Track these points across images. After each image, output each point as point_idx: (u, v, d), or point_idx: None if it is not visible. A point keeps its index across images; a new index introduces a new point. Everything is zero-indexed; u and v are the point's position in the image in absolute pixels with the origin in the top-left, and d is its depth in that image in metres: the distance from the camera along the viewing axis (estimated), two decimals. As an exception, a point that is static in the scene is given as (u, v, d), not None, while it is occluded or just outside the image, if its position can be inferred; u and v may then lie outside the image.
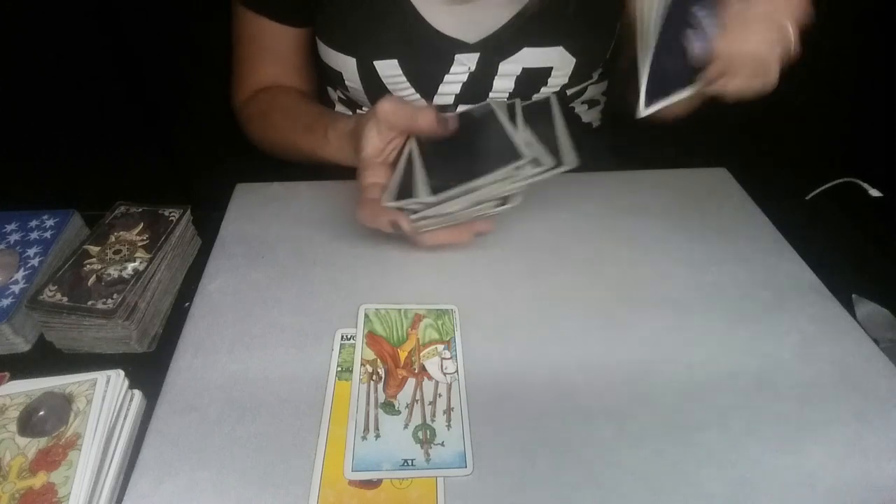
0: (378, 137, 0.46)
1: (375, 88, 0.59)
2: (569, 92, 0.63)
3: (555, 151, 0.43)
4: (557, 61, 0.57)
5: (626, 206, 0.56)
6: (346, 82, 0.61)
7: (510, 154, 0.42)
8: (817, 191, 0.61)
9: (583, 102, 0.68)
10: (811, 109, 0.94)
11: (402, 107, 0.45)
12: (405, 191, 0.44)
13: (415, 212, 0.44)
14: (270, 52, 0.63)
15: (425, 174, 0.44)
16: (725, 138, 0.61)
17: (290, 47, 0.62)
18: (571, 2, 0.53)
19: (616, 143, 0.74)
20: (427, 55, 0.56)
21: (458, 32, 0.56)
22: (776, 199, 0.57)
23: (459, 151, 0.46)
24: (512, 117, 0.47)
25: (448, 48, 0.56)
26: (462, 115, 0.49)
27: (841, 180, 0.60)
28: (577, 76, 0.59)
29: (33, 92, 0.91)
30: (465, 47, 0.56)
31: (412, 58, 0.57)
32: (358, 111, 0.67)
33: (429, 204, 0.43)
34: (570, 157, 0.43)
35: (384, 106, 0.45)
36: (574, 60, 0.57)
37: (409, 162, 0.47)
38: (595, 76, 0.65)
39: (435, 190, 0.42)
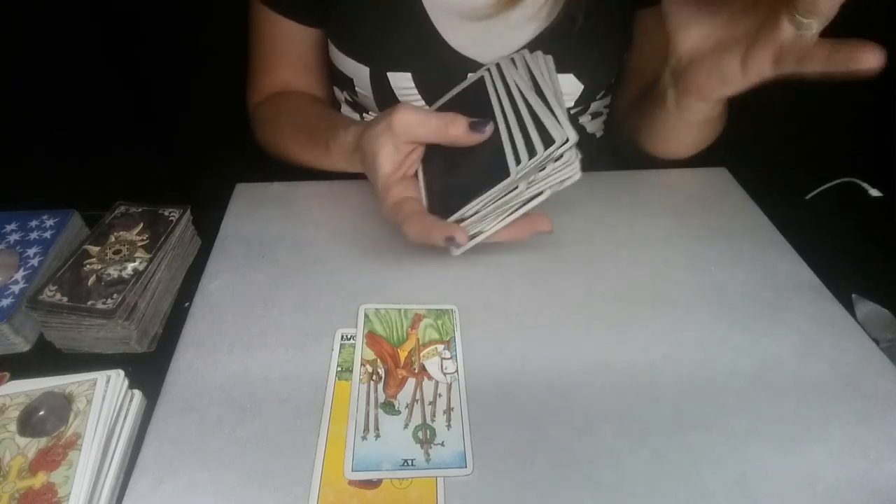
0: (396, 153, 0.42)
1: (386, 98, 0.59)
2: (573, 111, 0.64)
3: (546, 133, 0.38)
4: (566, 87, 0.57)
5: (626, 206, 0.56)
6: (356, 88, 0.61)
7: (502, 172, 0.38)
8: (817, 191, 0.61)
9: (587, 114, 0.68)
10: (811, 109, 0.94)
11: (424, 118, 0.41)
12: (437, 210, 0.41)
13: (463, 218, 0.41)
14: (286, 52, 0.62)
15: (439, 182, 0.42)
16: (725, 138, 0.61)
17: (306, 48, 0.62)
18: (580, 17, 0.53)
19: (618, 150, 0.74)
20: (441, 71, 0.56)
21: (473, 52, 0.56)
22: (776, 199, 0.57)
23: (457, 159, 0.42)
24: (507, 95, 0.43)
25: (462, 66, 0.56)
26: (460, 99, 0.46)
27: (841, 180, 0.60)
28: (582, 100, 0.61)
29: (33, 92, 0.91)
30: (478, 67, 0.56)
31: (426, 72, 0.57)
32: (364, 115, 0.67)
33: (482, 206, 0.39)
34: (559, 132, 0.37)
35: (403, 118, 0.40)
36: (582, 87, 0.58)
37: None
38: (598, 96, 0.65)
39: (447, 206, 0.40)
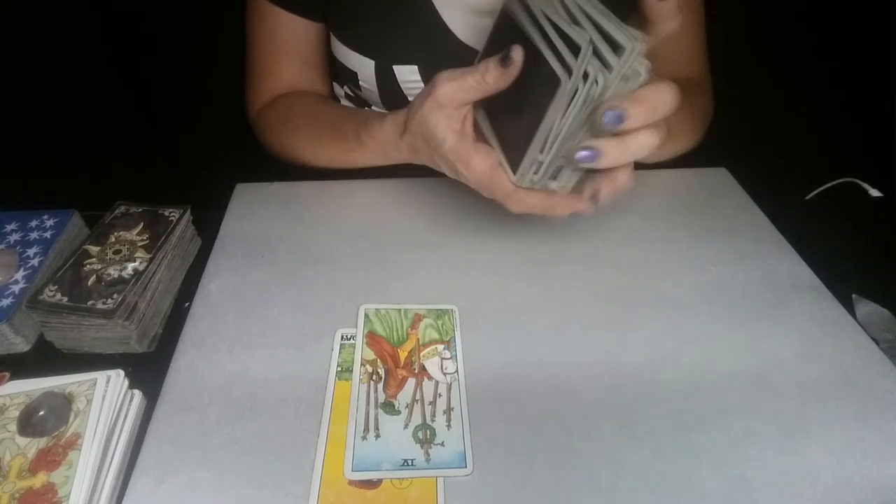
0: (453, 122, 0.41)
1: (391, 91, 0.59)
2: None
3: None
4: None
5: (626, 206, 0.56)
6: (360, 83, 0.60)
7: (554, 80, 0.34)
8: (817, 191, 0.61)
9: None
10: (812, 109, 0.94)
11: (461, 81, 0.40)
12: (514, 154, 0.39)
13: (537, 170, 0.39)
14: (289, 49, 0.62)
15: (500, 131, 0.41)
16: (725, 138, 0.61)
17: (309, 44, 0.62)
18: None
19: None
20: (448, 64, 0.55)
21: (480, 44, 0.56)
22: (776, 199, 0.57)
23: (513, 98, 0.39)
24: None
25: (469, 59, 0.55)
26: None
27: (841, 180, 0.60)
28: None
29: (33, 92, 0.91)
30: None
31: (433, 65, 0.56)
32: (367, 109, 0.67)
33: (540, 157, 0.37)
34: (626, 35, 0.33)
35: (444, 90, 0.40)
36: None
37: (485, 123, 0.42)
38: None
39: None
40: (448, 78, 0.40)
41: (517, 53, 0.38)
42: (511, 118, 0.41)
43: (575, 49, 0.34)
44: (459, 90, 0.40)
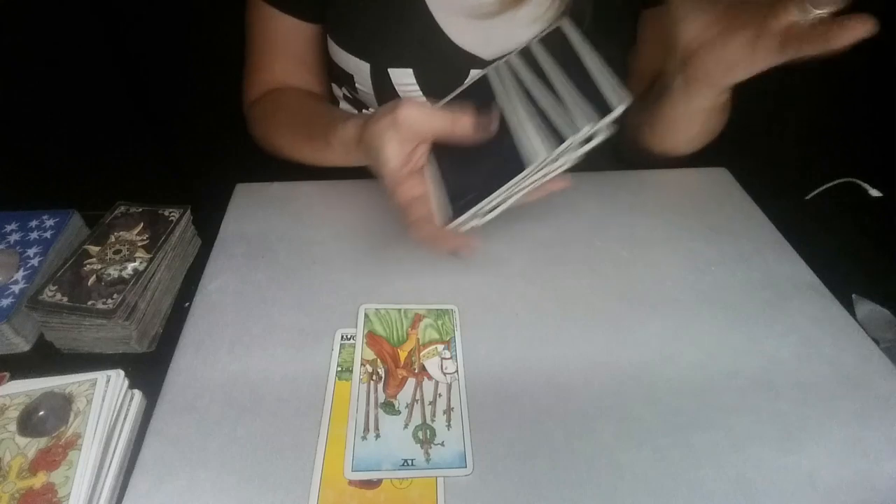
0: (401, 147, 0.41)
1: (387, 94, 0.59)
2: None
3: (594, 100, 0.37)
4: None
5: (626, 206, 0.56)
6: (356, 85, 0.61)
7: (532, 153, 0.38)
8: (817, 191, 0.61)
9: None
10: (811, 109, 0.94)
11: (429, 114, 0.40)
12: (455, 200, 0.41)
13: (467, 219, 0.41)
14: (283, 48, 0.62)
15: (454, 179, 0.42)
16: (725, 138, 0.61)
17: (303, 44, 0.62)
18: (587, 18, 0.53)
19: (618, 150, 0.74)
20: (443, 67, 0.56)
21: (476, 48, 0.56)
22: (776, 199, 0.57)
23: (472, 151, 0.41)
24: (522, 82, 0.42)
25: (464, 62, 0.56)
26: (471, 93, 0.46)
27: (841, 180, 0.60)
28: None
29: (33, 92, 0.91)
30: (481, 63, 0.56)
31: (428, 68, 0.57)
32: (364, 111, 0.67)
33: (488, 208, 0.39)
34: (617, 96, 0.36)
35: (408, 113, 0.40)
36: None
37: (437, 166, 0.43)
38: None
39: (464, 201, 0.40)
40: (415, 107, 0.40)
41: (495, 124, 0.40)
42: (462, 172, 0.42)
43: (557, 135, 0.38)
44: (423, 122, 0.40)
